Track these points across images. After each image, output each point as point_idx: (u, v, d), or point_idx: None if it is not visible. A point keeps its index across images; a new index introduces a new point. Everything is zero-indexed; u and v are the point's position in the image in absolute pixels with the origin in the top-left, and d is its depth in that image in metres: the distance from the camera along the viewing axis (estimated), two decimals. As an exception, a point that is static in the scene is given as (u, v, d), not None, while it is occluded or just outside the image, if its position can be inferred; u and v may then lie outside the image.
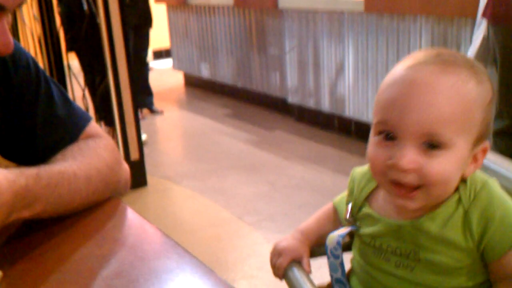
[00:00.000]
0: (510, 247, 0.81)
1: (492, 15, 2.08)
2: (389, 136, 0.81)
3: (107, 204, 1.01)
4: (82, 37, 3.57)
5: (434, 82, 0.78)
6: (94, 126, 1.10)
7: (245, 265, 2.37)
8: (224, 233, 2.70)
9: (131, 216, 0.98)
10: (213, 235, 2.68)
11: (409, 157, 0.78)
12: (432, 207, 0.85)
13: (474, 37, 2.25)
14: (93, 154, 1.02)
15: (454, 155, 0.79)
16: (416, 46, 3.24)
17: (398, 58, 3.36)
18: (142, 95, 4.74)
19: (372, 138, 0.85)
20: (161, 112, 4.90)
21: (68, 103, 1.06)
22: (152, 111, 4.92)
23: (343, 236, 0.95)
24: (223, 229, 2.75)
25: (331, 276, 0.97)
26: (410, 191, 0.80)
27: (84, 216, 0.96)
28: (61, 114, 1.03)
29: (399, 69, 0.82)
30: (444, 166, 0.79)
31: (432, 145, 0.78)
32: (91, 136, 1.07)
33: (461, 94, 0.79)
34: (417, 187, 0.80)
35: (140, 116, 4.35)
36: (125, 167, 1.11)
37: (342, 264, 0.96)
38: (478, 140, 0.82)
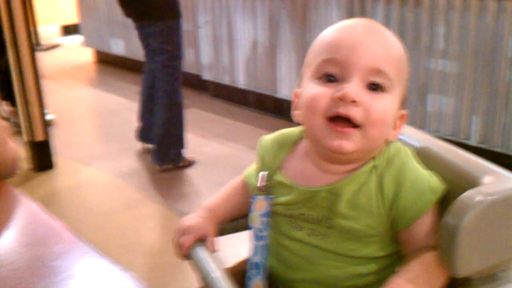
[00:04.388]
0: (419, 216, 0.81)
1: None
2: (331, 78, 0.82)
3: (-10, 187, 0.92)
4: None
5: (379, 29, 0.85)
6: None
7: (160, 247, 2.31)
8: (137, 215, 2.61)
9: (18, 199, 0.89)
10: (125, 218, 2.59)
11: (357, 89, 0.80)
12: (349, 172, 0.85)
13: None
14: None
15: (392, 101, 0.83)
16: (330, 21, 3.25)
17: (312, 34, 3.36)
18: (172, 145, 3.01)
19: (310, 82, 0.85)
20: (191, 163, 3.09)
21: None
22: (178, 166, 3.05)
23: (267, 215, 0.92)
24: (136, 211, 2.66)
25: (249, 260, 0.93)
26: (349, 127, 0.80)
27: (-37, 200, 0.86)
28: None
29: (341, 22, 0.87)
30: (386, 106, 0.82)
31: (375, 86, 0.81)
32: None
33: (399, 46, 0.86)
34: (355, 127, 0.81)
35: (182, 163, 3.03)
36: (12, 147, 1.01)
37: (265, 247, 0.92)
38: (402, 101, 0.86)
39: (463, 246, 0.73)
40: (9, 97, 3.53)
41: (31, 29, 2.95)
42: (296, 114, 0.90)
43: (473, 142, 2.77)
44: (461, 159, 0.86)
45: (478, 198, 0.74)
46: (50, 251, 0.73)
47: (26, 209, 0.86)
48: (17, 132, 3.12)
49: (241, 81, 3.98)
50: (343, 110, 0.80)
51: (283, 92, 3.65)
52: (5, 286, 0.66)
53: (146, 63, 3.09)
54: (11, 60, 2.88)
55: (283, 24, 3.56)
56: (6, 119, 3.56)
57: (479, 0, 2.59)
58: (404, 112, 0.88)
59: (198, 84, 4.41)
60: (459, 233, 0.73)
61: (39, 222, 0.82)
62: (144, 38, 2.98)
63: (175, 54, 2.93)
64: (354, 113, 0.80)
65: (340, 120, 0.81)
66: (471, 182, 0.80)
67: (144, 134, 3.21)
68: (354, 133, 0.81)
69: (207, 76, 4.28)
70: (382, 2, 2.97)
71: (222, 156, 3.19)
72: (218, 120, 3.84)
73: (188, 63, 4.47)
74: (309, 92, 0.84)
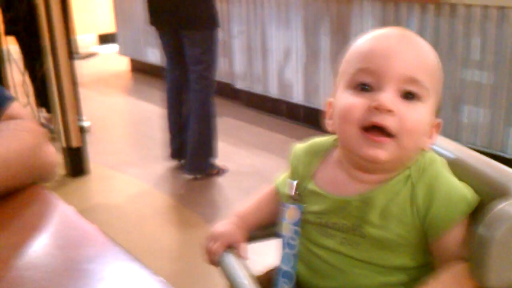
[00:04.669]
0: (452, 226, 0.81)
1: None
2: (365, 88, 0.82)
3: (28, 190, 0.94)
4: (21, 18, 3.41)
5: (413, 38, 0.85)
6: (16, 107, 1.03)
7: (190, 253, 2.32)
8: (167, 222, 2.64)
9: (54, 203, 0.91)
10: (156, 224, 2.62)
11: (393, 98, 0.80)
12: (382, 181, 0.85)
13: None
14: (12, 136, 0.95)
15: (426, 110, 0.83)
16: (363, 30, 3.24)
17: (345, 43, 3.35)
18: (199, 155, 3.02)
19: (344, 92, 0.85)
20: (222, 172, 3.10)
21: None
22: (210, 174, 3.06)
23: (299, 224, 0.91)
24: (167, 217, 2.69)
25: (280, 268, 0.92)
26: (384, 136, 0.80)
27: (1, 202, 0.88)
28: None
29: (373, 31, 0.87)
30: (420, 115, 0.82)
31: (410, 95, 0.81)
32: (12, 118, 1.00)
33: (432, 55, 0.85)
34: (390, 136, 0.80)
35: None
36: (51, 151, 1.04)
37: (295, 256, 0.92)
38: (436, 110, 0.86)
39: (495, 258, 0.72)
40: (46, 104, 3.61)
41: (69, 37, 3.02)
42: (329, 123, 0.90)
43: (509, 154, 2.72)
44: (493, 170, 0.85)
45: (513, 210, 0.73)
46: (84, 254, 0.75)
47: (61, 213, 0.88)
48: (54, 138, 3.19)
49: (274, 91, 3.99)
50: (378, 120, 0.80)
51: (316, 101, 3.64)
52: None
53: (171, 72, 3.06)
54: (49, 68, 2.95)
55: (317, 34, 3.56)
56: (44, 125, 3.64)
57: (516, 10, 2.55)
58: (438, 120, 0.87)
59: (231, 93, 4.43)
60: (492, 245, 0.72)
61: (73, 225, 0.84)
62: (178, 47, 2.95)
63: (213, 64, 2.95)
64: (389, 122, 0.80)
65: (375, 130, 0.80)
66: (502, 192, 0.79)
67: (178, 151, 3.16)
68: (389, 142, 0.81)
69: (240, 85, 4.30)
70: (417, 12, 2.95)
71: (253, 165, 3.20)
72: (250, 129, 3.85)
73: (221, 72, 4.50)
74: (343, 101, 0.84)
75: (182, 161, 3.14)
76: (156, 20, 2.96)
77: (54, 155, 1.05)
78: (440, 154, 0.89)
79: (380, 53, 0.82)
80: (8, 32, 3.58)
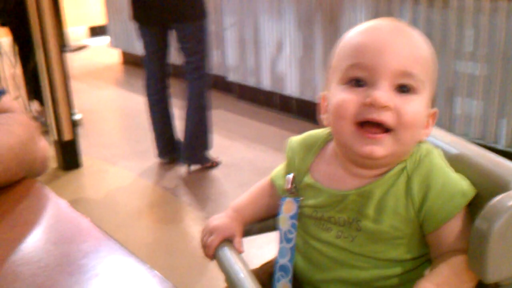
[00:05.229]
0: (448, 218, 0.80)
1: None
2: (359, 83, 0.81)
3: (20, 184, 0.93)
4: (11, 10, 3.37)
5: (405, 30, 0.83)
6: (7, 101, 1.02)
7: (185, 246, 2.32)
8: (162, 215, 2.63)
9: (48, 197, 0.90)
10: (150, 217, 2.61)
11: (388, 94, 0.79)
12: (379, 175, 0.84)
13: None
14: (4, 129, 0.93)
15: (422, 101, 0.82)
16: (356, 22, 3.23)
17: (337, 35, 3.34)
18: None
19: (337, 87, 0.83)
20: (216, 164, 3.10)
21: None
22: (204, 166, 3.06)
23: (296, 218, 0.91)
24: (161, 210, 2.68)
25: (276, 262, 0.92)
26: (380, 132, 0.79)
27: (-7, 197, 0.87)
28: None
29: (365, 23, 0.85)
30: (417, 108, 0.81)
31: (405, 88, 0.80)
32: (3, 111, 0.99)
33: (426, 46, 0.84)
34: (387, 131, 0.79)
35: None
36: (43, 144, 1.02)
37: (292, 249, 0.91)
38: (431, 100, 0.85)
39: (494, 251, 0.72)
40: (38, 97, 3.58)
41: (60, 30, 2.99)
42: (323, 118, 0.89)
43: (501, 145, 2.73)
44: (492, 163, 0.84)
45: (511, 202, 0.72)
46: (78, 248, 0.74)
47: (55, 207, 0.87)
48: (46, 131, 3.17)
49: (266, 83, 3.98)
50: (375, 116, 0.79)
51: (309, 94, 3.64)
52: (33, 283, 0.67)
53: (151, 68, 3.05)
54: (40, 61, 2.92)
55: (309, 26, 3.54)
56: (36, 118, 3.61)
57: (508, 2, 2.55)
58: (434, 110, 0.87)
59: (223, 86, 4.42)
60: (490, 237, 0.71)
61: (67, 219, 0.83)
62: (162, 42, 2.94)
63: (207, 54, 2.94)
64: (386, 117, 0.79)
65: (370, 125, 0.80)
66: (503, 186, 0.78)
67: (166, 149, 3.12)
68: (386, 137, 0.80)
69: (232, 77, 4.29)
70: (409, 3, 2.95)
71: (247, 158, 3.19)
72: (243, 122, 3.84)
73: (214, 65, 4.48)
74: (337, 97, 0.83)
75: (170, 159, 3.12)
76: (144, 15, 2.91)
77: (46, 149, 1.04)
78: (439, 148, 0.89)
79: (372, 47, 0.80)
80: (0, 23, 3.54)
